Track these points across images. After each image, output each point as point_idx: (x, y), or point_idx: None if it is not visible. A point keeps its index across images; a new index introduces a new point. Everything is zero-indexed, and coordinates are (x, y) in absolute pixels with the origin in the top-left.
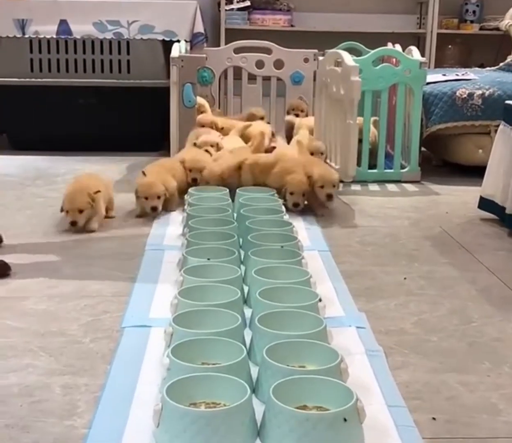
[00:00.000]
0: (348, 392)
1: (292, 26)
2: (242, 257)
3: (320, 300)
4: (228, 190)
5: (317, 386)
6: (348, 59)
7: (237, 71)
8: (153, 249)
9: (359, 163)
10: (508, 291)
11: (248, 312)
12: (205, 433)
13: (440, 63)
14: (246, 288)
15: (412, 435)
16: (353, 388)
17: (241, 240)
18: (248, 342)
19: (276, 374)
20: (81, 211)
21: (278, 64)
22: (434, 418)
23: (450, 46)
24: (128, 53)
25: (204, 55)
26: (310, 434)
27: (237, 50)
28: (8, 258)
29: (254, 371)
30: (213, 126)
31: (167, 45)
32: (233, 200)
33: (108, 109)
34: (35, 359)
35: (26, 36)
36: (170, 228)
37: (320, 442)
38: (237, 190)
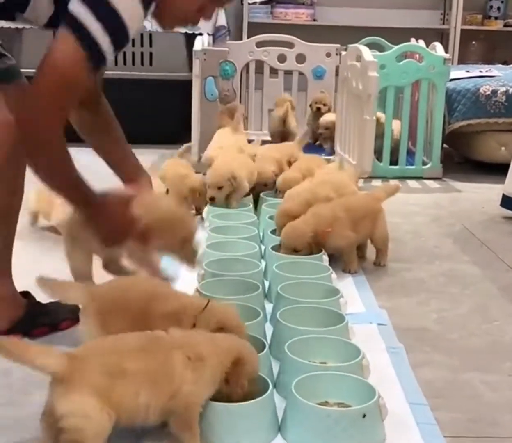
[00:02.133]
0: (369, 388)
1: (314, 20)
2: (263, 251)
3: (341, 296)
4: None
5: (338, 383)
6: (367, 54)
7: (259, 65)
8: None
9: (380, 159)
10: None
11: (268, 307)
12: None
13: (463, 60)
14: (266, 283)
15: (433, 433)
16: (374, 384)
17: (261, 234)
18: (269, 337)
19: (298, 370)
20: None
21: (300, 59)
22: None
23: (473, 43)
24: (150, 45)
25: (227, 49)
26: (331, 431)
27: (259, 44)
28: None
29: (274, 366)
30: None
31: (189, 38)
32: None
33: (130, 102)
34: None
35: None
36: None
37: (341, 439)
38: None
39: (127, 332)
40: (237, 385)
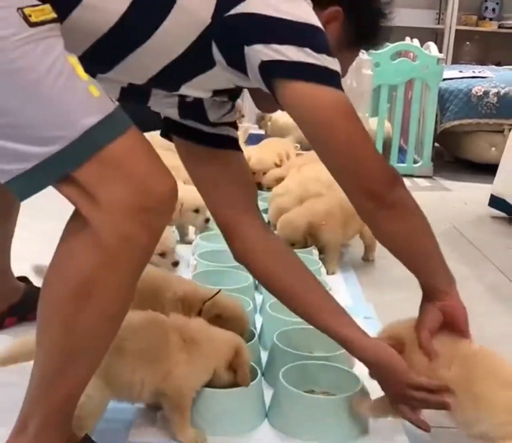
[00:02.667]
0: (354, 378)
1: None
2: None
3: (330, 289)
4: None
5: (324, 372)
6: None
7: None
8: None
9: None
10: None
11: (258, 298)
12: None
13: (457, 59)
14: None
15: None
16: (359, 374)
17: None
18: (258, 327)
19: (286, 359)
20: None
21: None
22: None
23: (468, 43)
24: None
25: None
26: (317, 418)
27: None
28: None
29: (263, 355)
30: None
31: None
32: None
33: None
34: None
35: None
36: None
37: (326, 426)
38: None
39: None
40: (243, 373)
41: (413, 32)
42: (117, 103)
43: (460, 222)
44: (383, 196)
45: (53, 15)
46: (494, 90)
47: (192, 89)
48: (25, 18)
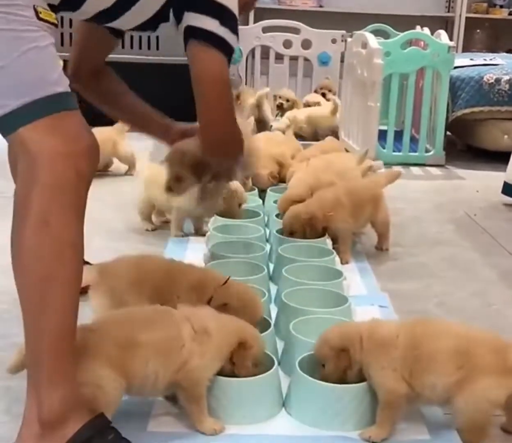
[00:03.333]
0: None
1: (321, 6)
2: (268, 235)
3: (344, 279)
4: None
5: None
6: (373, 41)
7: (265, 50)
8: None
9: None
10: None
11: (273, 288)
12: None
13: (468, 47)
14: (271, 266)
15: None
16: None
17: (266, 218)
18: (273, 317)
19: (302, 348)
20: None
21: (306, 44)
22: None
23: (478, 31)
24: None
25: None
26: (333, 406)
27: (266, 29)
28: None
29: (279, 345)
30: None
31: None
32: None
33: (136, 85)
34: None
35: None
36: None
37: (343, 414)
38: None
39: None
40: (242, 366)
41: (423, 20)
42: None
43: (473, 210)
44: None
45: (55, 21)
46: (506, 78)
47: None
48: (36, 12)
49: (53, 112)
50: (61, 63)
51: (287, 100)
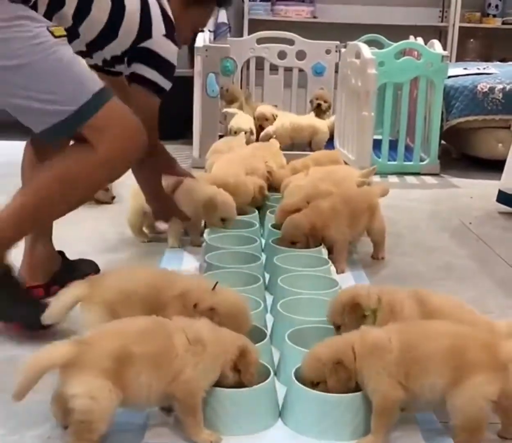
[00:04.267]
0: None
1: (314, 17)
2: (263, 245)
3: (340, 288)
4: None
5: None
6: (366, 51)
7: (259, 61)
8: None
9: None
10: None
11: (269, 298)
12: None
13: (461, 57)
14: (267, 276)
15: (430, 420)
16: None
17: (262, 229)
18: (269, 327)
19: (297, 358)
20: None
21: (300, 55)
22: None
23: (472, 40)
24: None
25: (228, 45)
26: (329, 415)
27: (260, 41)
28: None
29: (275, 354)
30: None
31: None
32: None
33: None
34: None
35: None
36: None
37: (339, 423)
38: None
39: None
40: (247, 373)
41: (417, 30)
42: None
43: (468, 218)
44: None
45: (64, 33)
46: (500, 86)
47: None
48: (51, 33)
49: (101, 105)
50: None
51: (325, 101)
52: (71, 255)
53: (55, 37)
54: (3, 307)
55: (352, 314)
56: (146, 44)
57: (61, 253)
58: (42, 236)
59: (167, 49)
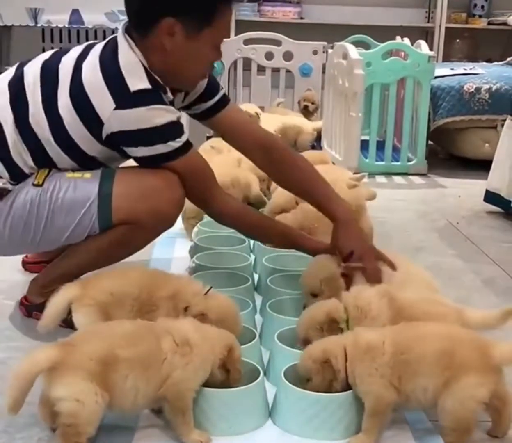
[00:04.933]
0: None
1: (301, 18)
2: (252, 245)
3: None
4: None
5: None
6: (353, 52)
7: (247, 62)
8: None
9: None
10: None
11: (258, 299)
12: None
13: (448, 57)
14: (256, 276)
15: (421, 419)
16: None
17: None
18: (259, 327)
19: (287, 358)
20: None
21: (287, 56)
22: None
23: (458, 41)
24: None
25: None
26: (320, 415)
27: (247, 42)
28: None
29: (265, 355)
30: None
31: None
32: None
33: None
34: None
35: (39, 25)
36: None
37: (329, 422)
38: None
39: (127, 320)
40: (235, 370)
41: (403, 31)
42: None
43: (455, 218)
44: None
45: (46, 172)
46: (486, 86)
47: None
48: (37, 184)
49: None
50: None
51: (312, 103)
52: None
53: (39, 185)
54: None
55: (330, 331)
56: (105, 131)
57: None
58: None
59: (129, 119)
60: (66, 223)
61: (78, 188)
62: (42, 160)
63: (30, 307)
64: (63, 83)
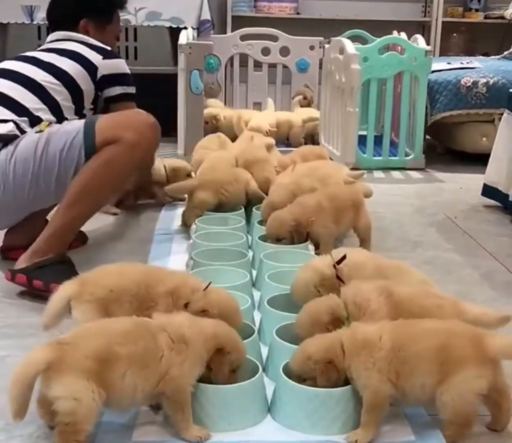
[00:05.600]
0: None
1: (298, 13)
2: (250, 241)
3: None
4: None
5: None
6: (350, 47)
7: (243, 58)
8: (161, 234)
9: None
10: (511, 275)
11: (256, 295)
12: None
13: (445, 52)
14: (254, 272)
15: (420, 414)
16: None
17: (248, 225)
18: (257, 323)
19: (286, 354)
20: None
21: (284, 52)
22: None
23: (455, 35)
24: (135, 39)
25: (212, 42)
26: (318, 410)
27: (244, 38)
28: None
29: (263, 350)
30: None
31: (174, 32)
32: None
33: None
34: None
35: (34, 22)
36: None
37: (328, 417)
38: None
39: (126, 316)
40: (218, 372)
41: (400, 25)
42: None
43: (453, 212)
44: None
45: (48, 123)
46: (483, 80)
47: None
48: (39, 131)
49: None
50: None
51: (305, 98)
52: None
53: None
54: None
55: (334, 329)
56: (98, 74)
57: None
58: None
59: (113, 66)
60: (60, 146)
61: (71, 123)
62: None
63: (14, 271)
64: (57, 59)
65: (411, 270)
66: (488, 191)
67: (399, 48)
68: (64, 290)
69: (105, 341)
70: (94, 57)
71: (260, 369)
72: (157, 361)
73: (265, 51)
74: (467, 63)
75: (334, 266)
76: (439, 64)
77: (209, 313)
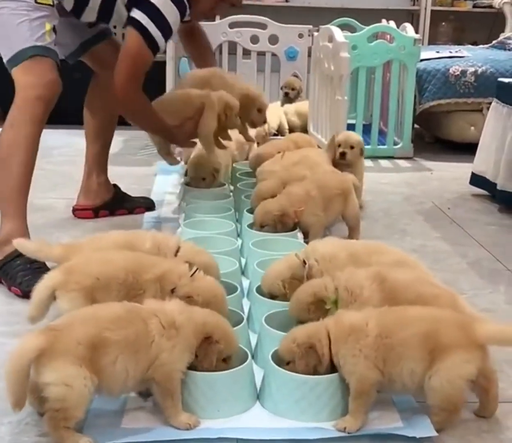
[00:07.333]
0: None
1: (287, 1)
2: (239, 230)
3: None
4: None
5: None
6: (339, 35)
7: (232, 46)
8: (150, 221)
9: None
10: (498, 264)
11: (245, 282)
12: None
13: (433, 40)
14: (243, 260)
15: (409, 401)
16: None
17: (237, 213)
18: (246, 311)
19: (274, 341)
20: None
21: (273, 40)
22: None
23: (443, 23)
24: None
25: None
26: (307, 397)
27: (232, 25)
28: None
29: (252, 338)
30: None
31: None
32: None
33: None
34: None
35: None
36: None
37: (316, 404)
38: (234, 164)
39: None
40: (204, 360)
41: (389, 14)
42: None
43: (441, 201)
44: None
45: (50, 2)
46: (472, 69)
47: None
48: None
49: (29, 57)
50: (49, 27)
51: (293, 89)
52: None
53: (36, 1)
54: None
55: (317, 311)
56: None
57: (115, 186)
58: (96, 167)
59: (168, 10)
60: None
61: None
62: None
63: None
64: None
65: (390, 250)
66: (476, 180)
67: (388, 36)
68: (48, 280)
69: (96, 327)
70: None
71: (249, 357)
72: (148, 346)
73: (254, 39)
74: (456, 52)
75: (304, 264)
76: (428, 52)
77: (194, 299)
